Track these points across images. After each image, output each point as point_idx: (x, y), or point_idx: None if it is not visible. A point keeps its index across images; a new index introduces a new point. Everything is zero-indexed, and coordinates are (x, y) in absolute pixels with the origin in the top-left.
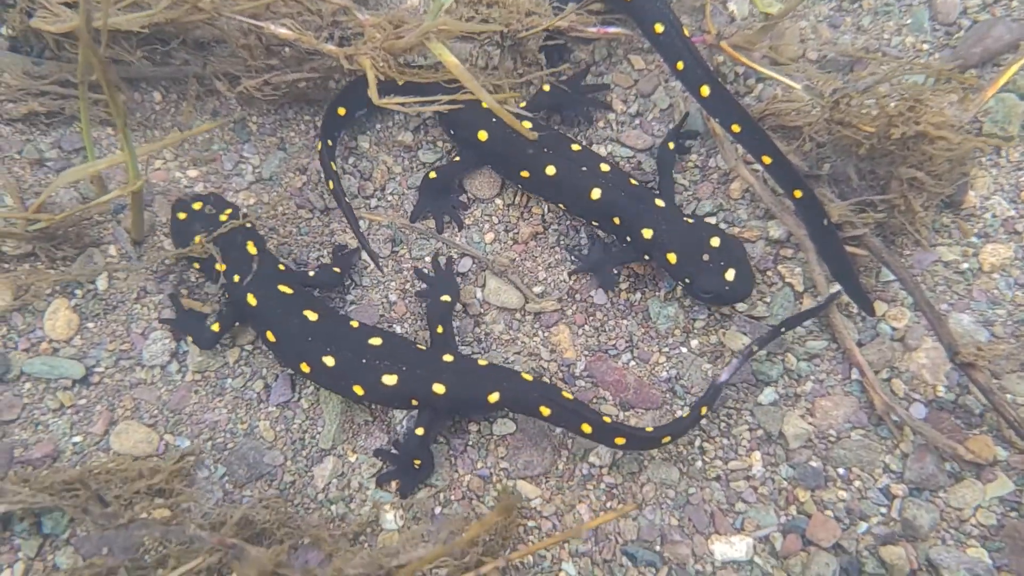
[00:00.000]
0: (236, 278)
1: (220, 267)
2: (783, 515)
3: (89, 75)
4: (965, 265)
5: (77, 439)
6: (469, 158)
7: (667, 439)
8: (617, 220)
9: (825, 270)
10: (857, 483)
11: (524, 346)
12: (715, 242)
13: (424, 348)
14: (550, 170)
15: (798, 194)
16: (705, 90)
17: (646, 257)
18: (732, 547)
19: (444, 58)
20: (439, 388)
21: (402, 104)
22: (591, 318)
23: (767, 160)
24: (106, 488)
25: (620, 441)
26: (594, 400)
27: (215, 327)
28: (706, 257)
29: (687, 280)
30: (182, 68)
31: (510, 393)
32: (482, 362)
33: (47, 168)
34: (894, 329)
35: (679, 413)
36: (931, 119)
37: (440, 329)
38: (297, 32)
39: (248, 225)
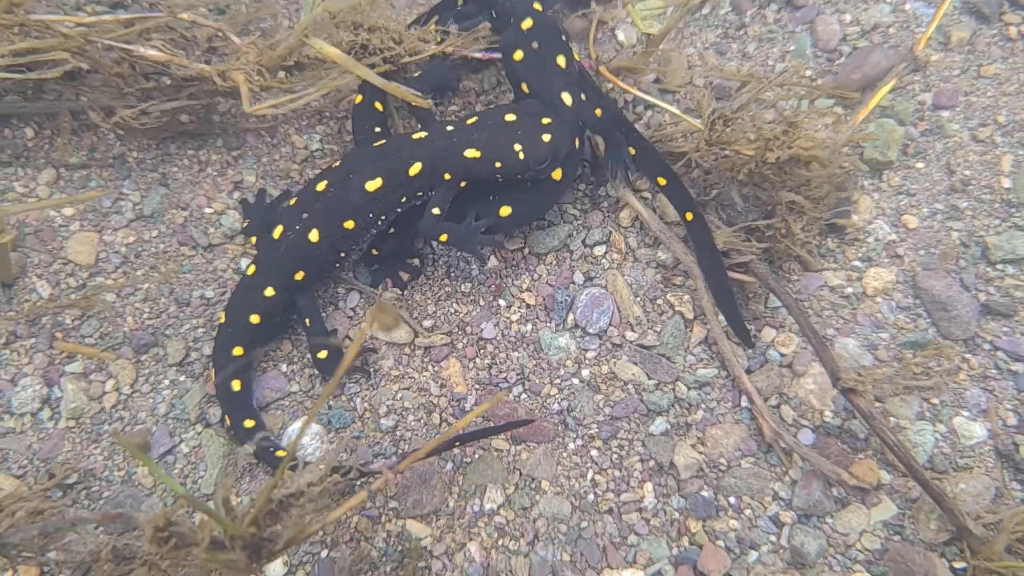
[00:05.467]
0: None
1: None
2: (675, 547)
3: None
4: (850, 290)
5: None
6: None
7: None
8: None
9: (712, 298)
10: (747, 512)
11: (414, 381)
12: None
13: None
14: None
15: (689, 216)
16: (598, 112)
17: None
18: None
19: (325, 51)
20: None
21: (274, 106)
22: (481, 351)
23: (662, 182)
24: None
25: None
26: None
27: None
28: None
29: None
30: (55, 103)
31: None
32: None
33: None
34: (782, 355)
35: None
36: (803, 143)
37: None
38: (168, 53)
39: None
